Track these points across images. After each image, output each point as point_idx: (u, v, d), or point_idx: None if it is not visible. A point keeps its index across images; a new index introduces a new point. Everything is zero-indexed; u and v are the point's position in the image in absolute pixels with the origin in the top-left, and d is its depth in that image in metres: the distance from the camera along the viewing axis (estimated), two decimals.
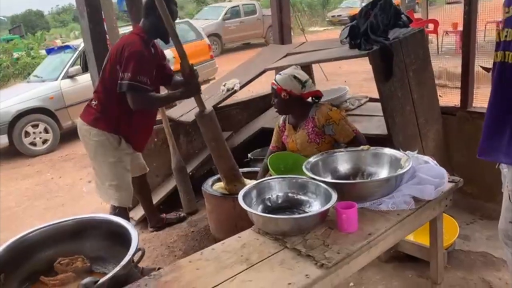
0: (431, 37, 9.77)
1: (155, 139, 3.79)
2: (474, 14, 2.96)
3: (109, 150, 2.78)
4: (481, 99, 3.30)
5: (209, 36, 12.44)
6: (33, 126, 6.83)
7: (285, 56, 3.84)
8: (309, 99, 2.74)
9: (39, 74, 7.82)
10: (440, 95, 3.23)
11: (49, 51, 8.67)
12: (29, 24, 29.99)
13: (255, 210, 1.98)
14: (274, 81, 2.71)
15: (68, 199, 4.85)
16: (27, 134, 6.78)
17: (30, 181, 5.61)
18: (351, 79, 8.15)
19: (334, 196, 1.87)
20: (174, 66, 7.84)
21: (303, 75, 2.69)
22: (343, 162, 2.31)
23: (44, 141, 6.95)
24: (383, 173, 2.21)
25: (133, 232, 1.79)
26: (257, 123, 4.19)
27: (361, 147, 2.34)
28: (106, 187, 2.87)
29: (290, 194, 2.08)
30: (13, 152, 6.78)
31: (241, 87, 3.72)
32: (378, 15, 2.88)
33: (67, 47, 7.90)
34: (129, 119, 2.78)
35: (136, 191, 3.17)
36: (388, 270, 2.62)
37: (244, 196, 1.98)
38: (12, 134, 6.66)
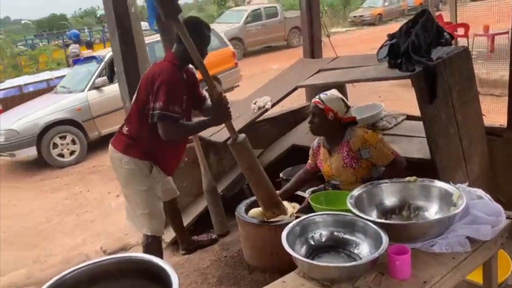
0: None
1: (186, 158, 3.71)
2: None
3: (139, 178, 2.73)
4: None
5: (231, 40, 12.40)
6: (60, 137, 6.89)
7: (317, 72, 3.72)
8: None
9: (66, 85, 7.88)
10: (484, 114, 3.06)
11: (76, 61, 8.76)
12: (54, 28, 30.37)
13: (299, 251, 1.89)
14: (319, 100, 2.62)
15: (97, 214, 4.85)
16: (55, 145, 6.85)
17: (60, 195, 5.64)
18: (378, 84, 7.91)
19: (385, 239, 1.76)
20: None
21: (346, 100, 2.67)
22: (388, 194, 2.19)
23: (72, 152, 7.00)
24: (432, 207, 2.09)
25: (173, 275, 1.72)
26: (288, 140, 4.08)
27: (407, 178, 2.21)
28: (137, 216, 2.82)
29: (335, 233, 1.98)
30: (42, 164, 6.85)
31: (273, 105, 3.62)
32: (419, 33, 2.74)
33: (93, 57, 7.96)
34: (161, 147, 2.71)
35: (167, 217, 3.11)
36: None
37: (287, 235, 1.89)
38: (41, 145, 6.73)
